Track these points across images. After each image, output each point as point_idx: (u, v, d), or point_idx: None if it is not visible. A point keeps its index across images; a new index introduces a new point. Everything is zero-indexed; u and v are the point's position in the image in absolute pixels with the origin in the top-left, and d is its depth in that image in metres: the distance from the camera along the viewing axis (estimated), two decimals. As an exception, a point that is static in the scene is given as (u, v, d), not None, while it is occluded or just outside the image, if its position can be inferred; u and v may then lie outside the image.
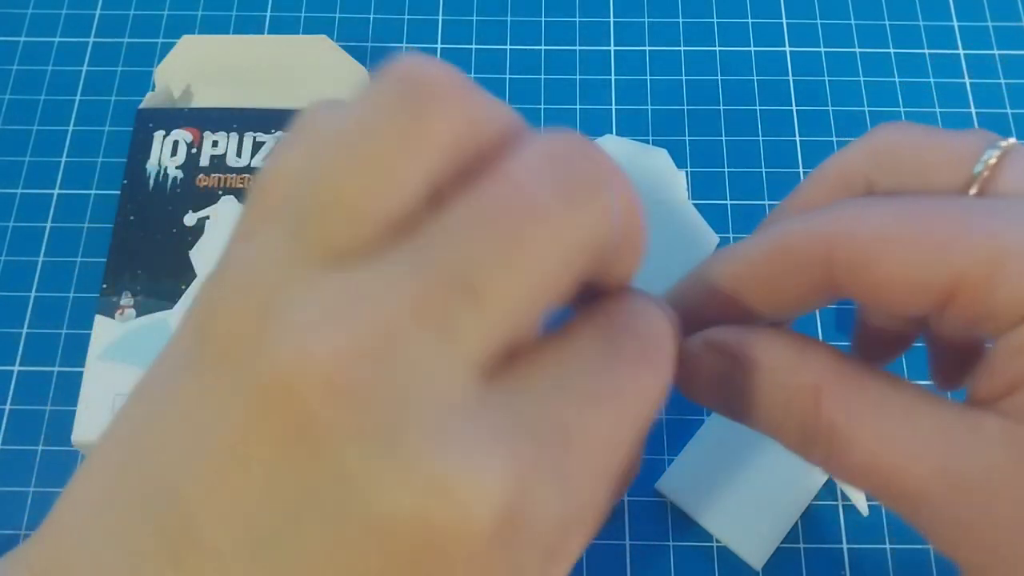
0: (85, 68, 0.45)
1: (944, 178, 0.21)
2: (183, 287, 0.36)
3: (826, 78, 0.45)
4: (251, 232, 0.17)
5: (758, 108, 0.44)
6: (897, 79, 0.45)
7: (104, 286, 0.36)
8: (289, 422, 0.15)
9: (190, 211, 0.38)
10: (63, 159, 0.43)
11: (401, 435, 0.14)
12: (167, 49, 0.43)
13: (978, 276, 0.18)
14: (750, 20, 0.47)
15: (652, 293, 0.20)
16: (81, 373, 0.36)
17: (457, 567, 0.15)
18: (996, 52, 0.46)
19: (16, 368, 0.39)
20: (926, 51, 0.46)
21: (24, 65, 0.45)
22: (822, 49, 0.46)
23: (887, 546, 0.36)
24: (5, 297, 0.40)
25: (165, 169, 0.39)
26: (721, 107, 0.44)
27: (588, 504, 0.17)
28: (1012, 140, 0.21)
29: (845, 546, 0.36)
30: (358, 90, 0.17)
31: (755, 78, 0.45)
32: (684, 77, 0.45)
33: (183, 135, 0.40)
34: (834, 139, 0.43)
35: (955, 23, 0.47)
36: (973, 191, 0.20)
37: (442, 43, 0.46)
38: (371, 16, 0.47)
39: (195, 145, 0.39)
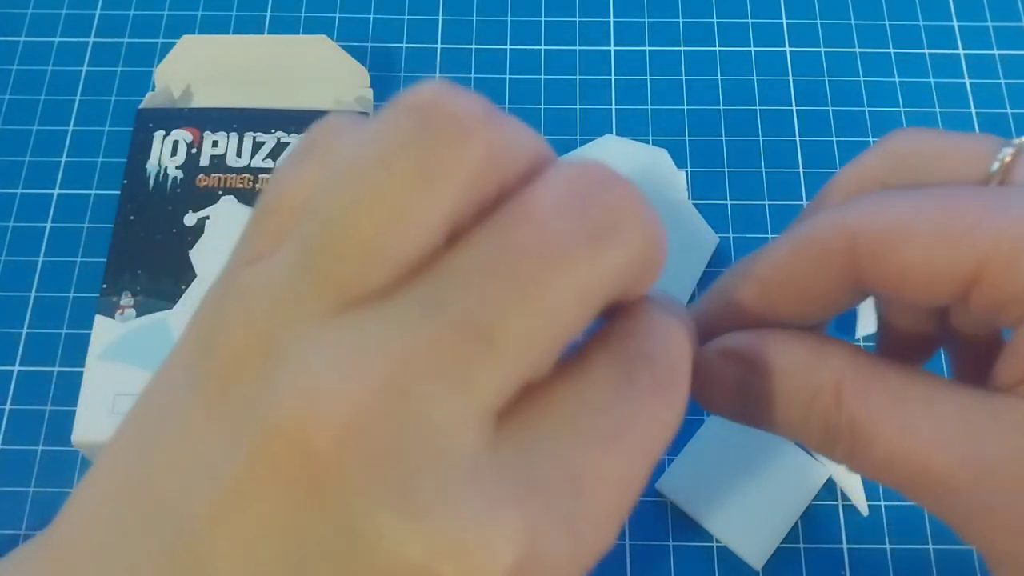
0: (85, 68, 0.45)
1: (959, 180, 0.21)
2: (183, 287, 0.36)
3: (826, 78, 0.45)
4: (260, 254, 0.16)
5: (758, 108, 0.44)
6: (897, 79, 0.45)
7: (104, 286, 0.36)
8: (297, 470, 0.14)
9: (190, 211, 0.38)
10: (63, 159, 0.43)
11: (411, 489, 0.14)
12: (167, 49, 0.43)
13: (1002, 260, 0.18)
14: (750, 20, 0.47)
15: (668, 297, 0.19)
16: (81, 373, 0.36)
17: None
18: (996, 52, 0.46)
19: (16, 368, 0.39)
20: (926, 51, 0.46)
21: (24, 65, 0.45)
22: (822, 49, 0.46)
23: (887, 546, 0.36)
24: (5, 297, 0.40)
25: (165, 169, 0.39)
26: (721, 107, 0.44)
27: (599, 543, 0.17)
28: None
29: (845, 546, 0.36)
30: (379, 114, 0.16)
31: (755, 78, 0.45)
32: (684, 77, 0.45)
33: (183, 135, 0.40)
34: (834, 139, 0.43)
35: (955, 23, 0.47)
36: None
37: (442, 43, 0.46)
38: (371, 16, 0.47)
39: (195, 145, 0.39)
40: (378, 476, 0.14)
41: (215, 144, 0.39)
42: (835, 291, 0.20)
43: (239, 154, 0.39)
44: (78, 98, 0.44)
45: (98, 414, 0.34)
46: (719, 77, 0.45)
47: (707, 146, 0.43)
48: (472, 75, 0.45)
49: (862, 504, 0.36)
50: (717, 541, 0.35)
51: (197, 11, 0.47)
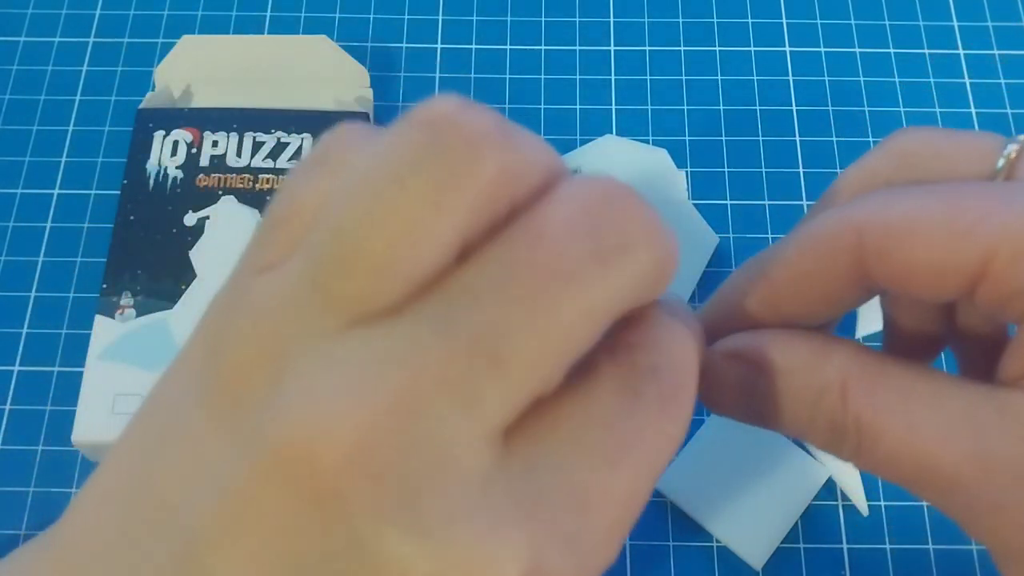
0: (85, 68, 0.45)
1: (966, 177, 0.21)
2: (183, 287, 0.36)
3: (826, 78, 0.45)
4: (270, 264, 0.16)
5: (758, 108, 0.44)
6: (897, 79, 0.45)
7: (104, 286, 0.36)
8: (305, 486, 0.14)
9: (190, 211, 0.38)
10: (63, 159, 0.43)
11: (419, 507, 0.14)
12: (167, 49, 0.43)
13: (1007, 254, 0.18)
14: (750, 20, 0.47)
15: (677, 299, 0.19)
16: (81, 373, 0.36)
17: None
18: (996, 52, 0.46)
19: (16, 368, 0.39)
20: (926, 51, 0.46)
21: (24, 65, 0.45)
22: (822, 49, 0.46)
23: (887, 546, 0.36)
24: (5, 297, 0.40)
25: (165, 169, 0.39)
26: (721, 107, 0.44)
27: (604, 556, 0.17)
28: None
29: (845, 546, 0.36)
30: (392, 127, 0.16)
31: (755, 78, 0.45)
32: (684, 77, 0.45)
33: (183, 135, 0.40)
34: (834, 139, 0.43)
35: (955, 23, 0.47)
36: None
37: (442, 43, 0.46)
38: (371, 16, 0.47)
39: (195, 145, 0.39)
40: (385, 494, 0.14)
41: (215, 144, 0.39)
42: (842, 289, 0.20)
43: (239, 154, 0.39)
44: (78, 98, 0.44)
45: (98, 414, 0.34)
46: (719, 77, 0.45)
47: (707, 146, 0.43)
48: (472, 75, 0.45)
49: (862, 504, 0.36)
50: (717, 541, 0.35)
51: (197, 11, 0.47)
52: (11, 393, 0.38)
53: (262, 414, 0.15)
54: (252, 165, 0.39)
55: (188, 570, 0.15)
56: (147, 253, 0.37)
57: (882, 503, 0.36)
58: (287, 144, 0.39)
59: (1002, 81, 0.45)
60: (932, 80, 0.45)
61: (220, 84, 0.41)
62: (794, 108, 0.44)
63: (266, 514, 0.15)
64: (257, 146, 0.39)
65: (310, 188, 0.16)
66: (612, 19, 0.47)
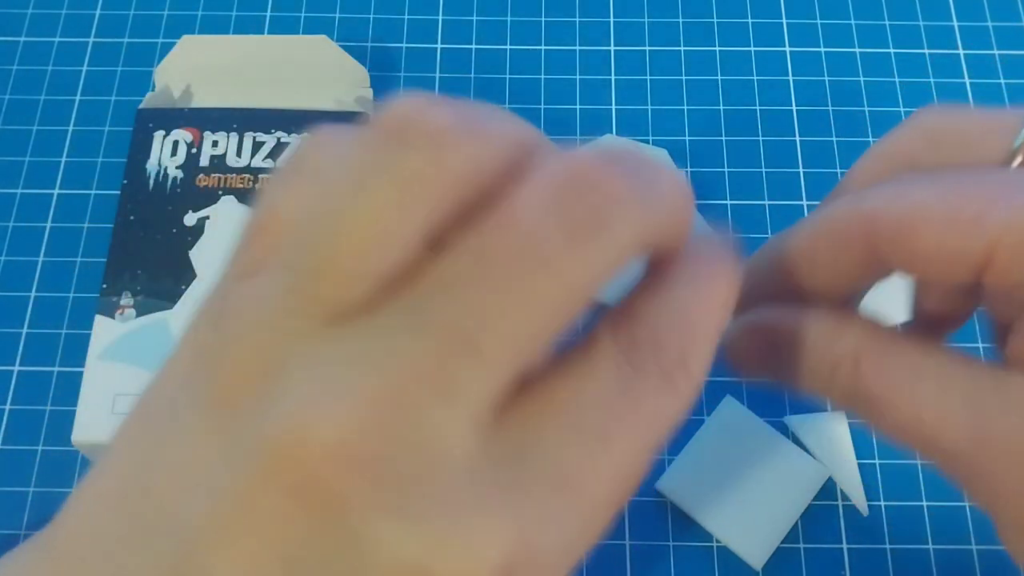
0: (85, 68, 0.45)
1: (986, 153, 0.22)
2: (183, 287, 0.36)
3: (826, 78, 0.45)
4: (251, 271, 0.17)
5: (758, 108, 0.44)
6: (897, 79, 0.45)
7: (104, 286, 0.36)
8: (296, 484, 0.15)
9: (190, 211, 0.38)
10: (63, 159, 0.43)
11: (406, 495, 0.15)
12: (167, 49, 0.43)
13: (1008, 247, 0.19)
14: (750, 20, 0.47)
15: (713, 242, 0.20)
16: (81, 373, 0.36)
17: None
18: (996, 52, 0.46)
19: (16, 368, 0.39)
20: (926, 51, 0.46)
21: (24, 65, 0.45)
22: (822, 49, 0.46)
23: (887, 546, 0.36)
24: (5, 297, 0.40)
25: (165, 169, 0.39)
26: (721, 107, 0.44)
27: (593, 536, 0.17)
28: None
29: (845, 546, 0.36)
30: (359, 131, 0.17)
31: (755, 78, 0.45)
32: (684, 77, 0.45)
33: (183, 135, 0.40)
34: (834, 139, 0.43)
35: (955, 23, 0.47)
36: (1017, 163, 0.21)
37: (442, 43, 0.46)
38: (371, 16, 0.47)
39: (195, 145, 0.39)
40: (374, 486, 0.15)
41: (215, 144, 0.39)
42: (858, 270, 0.21)
43: (239, 154, 0.39)
44: (78, 98, 0.44)
45: (98, 414, 0.34)
46: (719, 77, 0.45)
47: (707, 146, 0.43)
48: (472, 75, 0.45)
49: (862, 504, 0.36)
50: (717, 541, 0.35)
51: (197, 11, 0.47)
52: (11, 393, 0.38)
53: (252, 418, 0.15)
54: (252, 165, 0.39)
55: (187, 571, 0.15)
56: (147, 253, 0.37)
57: (882, 503, 0.36)
58: (287, 144, 0.39)
59: (1002, 81, 0.45)
60: (932, 80, 0.45)
61: (220, 84, 0.41)
62: (794, 108, 0.44)
63: (262, 515, 0.15)
64: (257, 146, 0.39)
65: (286, 195, 0.17)
66: (612, 19, 0.47)
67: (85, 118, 0.44)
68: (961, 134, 0.22)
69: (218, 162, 0.39)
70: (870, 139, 0.43)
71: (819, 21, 0.47)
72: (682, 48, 0.46)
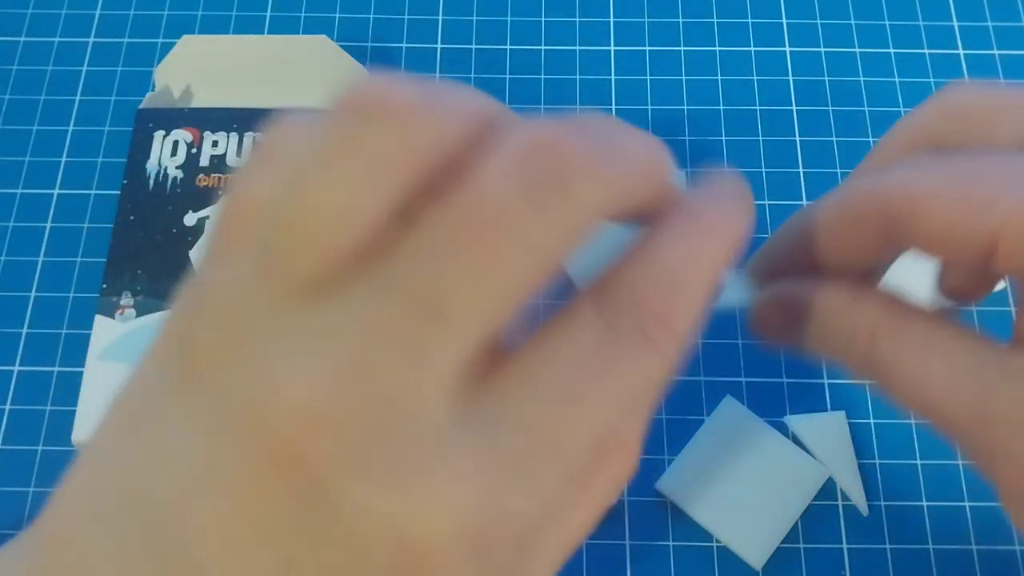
0: (85, 68, 0.45)
1: (1006, 131, 0.22)
2: (183, 287, 0.36)
3: (826, 78, 0.45)
4: (224, 255, 0.17)
5: (758, 108, 0.44)
6: (897, 79, 0.45)
7: (104, 286, 0.36)
8: (269, 452, 0.15)
9: (190, 211, 0.38)
10: (63, 159, 0.43)
11: (377, 458, 0.15)
12: (167, 49, 0.43)
13: (1012, 234, 0.20)
14: (750, 20, 0.47)
15: (717, 193, 0.20)
16: (81, 373, 0.36)
17: (434, 573, 0.16)
18: (996, 52, 0.46)
19: (16, 368, 0.39)
20: (926, 51, 0.46)
21: (24, 65, 0.45)
22: (822, 49, 0.46)
23: (887, 546, 0.36)
24: (5, 297, 0.40)
25: (165, 169, 0.39)
26: (721, 107, 0.44)
27: (572, 499, 0.17)
28: None
29: (845, 546, 0.36)
30: (324, 115, 0.17)
31: (755, 78, 0.45)
32: (684, 77, 0.45)
33: (183, 135, 0.40)
34: (834, 139, 0.43)
35: (955, 23, 0.47)
36: None
37: (442, 43, 0.46)
38: (371, 16, 0.47)
39: (195, 145, 0.39)
40: (344, 448, 0.15)
41: (215, 144, 0.39)
42: (875, 246, 0.22)
43: (239, 154, 0.39)
44: (78, 98, 0.44)
45: (98, 414, 0.34)
46: (719, 77, 0.45)
47: (707, 146, 0.43)
48: (472, 75, 0.45)
49: (862, 504, 0.36)
50: (717, 541, 0.35)
51: (197, 11, 0.47)
52: (11, 393, 0.38)
53: (225, 392, 0.16)
54: (252, 165, 0.39)
55: (162, 542, 0.16)
56: (147, 253, 0.37)
57: (882, 503, 0.36)
58: (287, 144, 0.39)
59: (1002, 81, 0.45)
60: (932, 80, 0.45)
61: (220, 84, 0.41)
62: (794, 108, 0.44)
63: (235, 482, 0.16)
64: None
65: (254, 180, 0.17)
66: (612, 19, 0.47)
67: (85, 118, 0.44)
68: (985, 111, 0.23)
69: (218, 162, 0.39)
70: (870, 139, 0.44)
71: (819, 21, 0.47)
72: (682, 48, 0.46)
